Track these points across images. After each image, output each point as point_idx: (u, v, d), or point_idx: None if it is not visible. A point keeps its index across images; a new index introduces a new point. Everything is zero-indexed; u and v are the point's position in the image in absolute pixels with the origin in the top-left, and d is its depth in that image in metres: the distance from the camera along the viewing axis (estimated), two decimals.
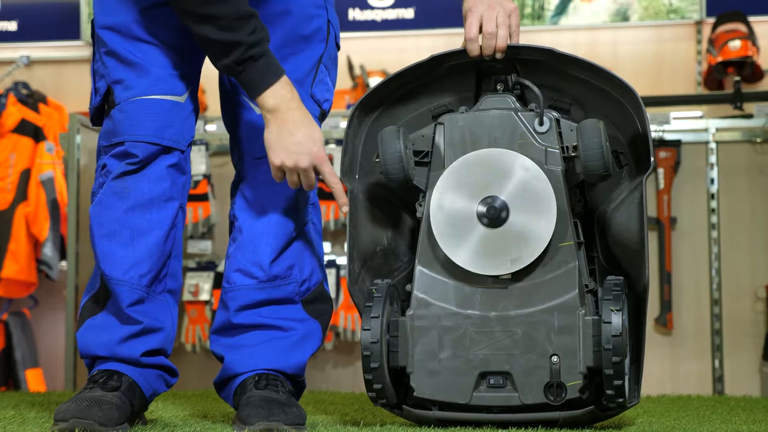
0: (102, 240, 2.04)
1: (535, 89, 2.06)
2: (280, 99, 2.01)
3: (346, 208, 2.07)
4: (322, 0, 2.19)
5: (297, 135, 2.02)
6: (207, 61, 2.12)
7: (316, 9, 2.18)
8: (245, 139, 2.15)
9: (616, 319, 1.93)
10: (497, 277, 2.01)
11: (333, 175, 2.06)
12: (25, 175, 4.73)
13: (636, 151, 2.10)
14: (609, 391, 1.94)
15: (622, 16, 4.89)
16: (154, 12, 2.07)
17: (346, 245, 2.14)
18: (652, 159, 2.02)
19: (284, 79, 2.02)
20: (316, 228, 2.23)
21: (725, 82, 4.63)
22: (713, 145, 4.21)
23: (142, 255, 2.03)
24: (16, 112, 4.77)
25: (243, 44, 1.98)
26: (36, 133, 4.78)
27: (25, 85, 4.95)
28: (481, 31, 2.07)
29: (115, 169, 2.03)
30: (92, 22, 2.13)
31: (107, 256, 2.03)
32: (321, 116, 2.21)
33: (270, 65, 2.01)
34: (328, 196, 4.20)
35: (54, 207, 4.74)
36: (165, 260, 2.06)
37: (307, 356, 2.14)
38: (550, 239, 1.98)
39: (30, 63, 5.29)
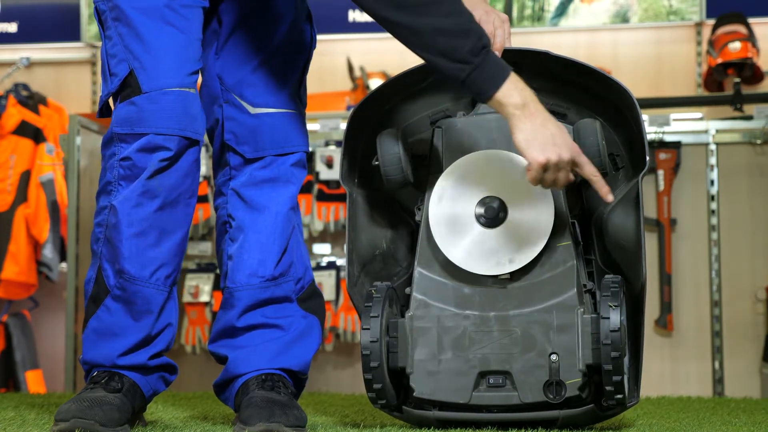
0: (130, 240, 1.96)
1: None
2: (522, 91, 1.88)
3: (611, 197, 1.93)
4: (307, 5, 2.20)
5: (551, 127, 1.88)
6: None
7: (305, 17, 2.19)
8: (240, 139, 2.13)
9: (615, 315, 1.93)
10: (496, 277, 2.01)
11: (591, 165, 1.93)
12: (25, 177, 4.73)
13: (632, 153, 2.11)
14: (608, 387, 1.94)
15: (622, 17, 4.89)
16: None
17: (345, 248, 2.13)
18: (647, 158, 2.03)
19: (513, 71, 1.89)
20: (300, 229, 2.22)
21: (725, 84, 4.64)
22: (713, 147, 4.21)
23: (168, 256, 2.00)
24: (16, 113, 4.77)
25: (473, 31, 1.85)
26: (36, 135, 4.78)
27: (25, 87, 4.95)
28: None
29: (147, 166, 1.95)
30: (100, 2, 2.02)
31: (134, 256, 1.97)
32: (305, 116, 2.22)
33: (498, 57, 1.89)
34: (328, 197, 4.21)
35: (54, 208, 4.74)
36: (181, 258, 2.05)
37: (311, 353, 2.14)
38: (548, 239, 1.99)
39: (30, 64, 5.30)
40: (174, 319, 2.05)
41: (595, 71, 2.08)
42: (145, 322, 1.99)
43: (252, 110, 2.12)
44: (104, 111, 2.04)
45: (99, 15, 2.04)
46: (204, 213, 4.30)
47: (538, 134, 1.87)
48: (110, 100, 2.03)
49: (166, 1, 1.98)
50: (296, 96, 2.18)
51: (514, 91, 1.87)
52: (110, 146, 1.99)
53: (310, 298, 2.18)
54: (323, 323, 2.20)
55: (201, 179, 4.26)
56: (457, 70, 1.86)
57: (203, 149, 4.29)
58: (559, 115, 2.11)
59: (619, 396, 1.95)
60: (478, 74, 1.86)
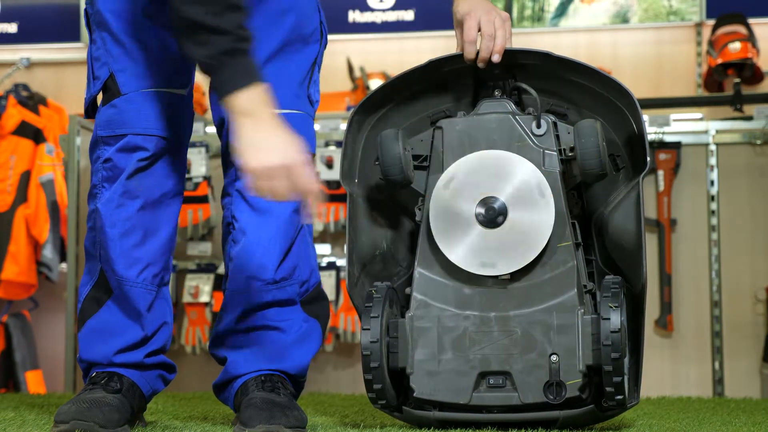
0: (115, 241, 1.99)
1: (532, 92, 2.07)
2: (257, 103, 1.81)
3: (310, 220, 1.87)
4: (316, 1, 2.19)
5: (280, 134, 1.82)
6: None
7: (312, 9, 2.18)
8: None
9: (615, 316, 1.93)
10: (496, 277, 2.01)
11: (311, 179, 1.83)
12: (25, 177, 4.73)
13: (633, 154, 2.11)
14: (608, 388, 1.94)
15: (622, 17, 4.89)
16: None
17: (345, 248, 2.13)
18: (647, 159, 2.03)
19: (264, 87, 1.84)
20: (309, 230, 2.21)
21: (725, 84, 4.63)
22: (713, 147, 4.21)
23: (155, 255, 2.02)
24: (16, 114, 4.77)
25: (231, 34, 1.82)
26: (36, 135, 4.78)
27: (25, 87, 4.95)
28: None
29: (126, 166, 1.98)
30: (88, 6, 2.06)
31: (120, 257, 1.99)
32: (313, 117, 2.20)
33: (252, 66, 1.84)
34: (328, 197, 4.21)
35: (54, 209, 4.73)
36: (169, 256, 2.06)
37: (310, 357, 2.14)
38: (549, 239, 1.99)
39: (30, 65, 5.29)
40: (168, 317, 2.06)
41: (596, 71, 2.08)
42: (137, 321, 2.01)
43: None
44: (90, 112, 2.08)
45: (87, 18, 2.08)
46: (204, 213, 4.29)
47: (263, 140, 1.80)
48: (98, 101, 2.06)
49: (144, 3, 2.00)
50: (304, 95, 2.15)
51: (245, 99, 1.80)
52: (95, 150, 2.03)
53: (314, 301, 2.17)
54: (325, 327, 2.20)
55: (201, 179, 4.26)
56: (204, 67, 1.83)
57: (203, 149, 4.29)
58: (559, 116, 2.11)
59: (620, 397, 1.95)
60: (219, 74, 1.82)
